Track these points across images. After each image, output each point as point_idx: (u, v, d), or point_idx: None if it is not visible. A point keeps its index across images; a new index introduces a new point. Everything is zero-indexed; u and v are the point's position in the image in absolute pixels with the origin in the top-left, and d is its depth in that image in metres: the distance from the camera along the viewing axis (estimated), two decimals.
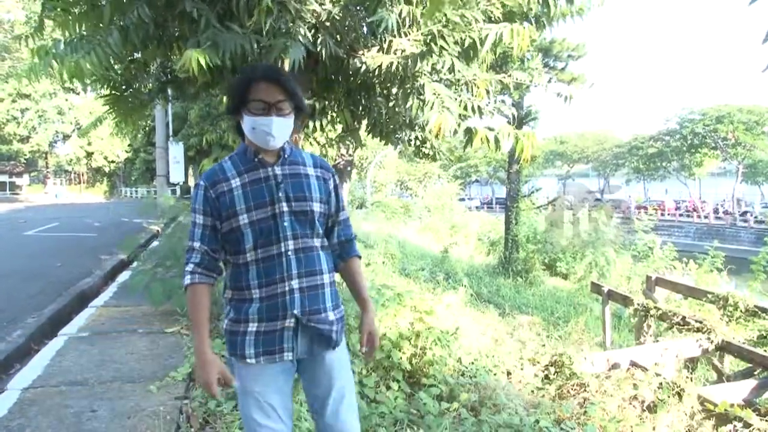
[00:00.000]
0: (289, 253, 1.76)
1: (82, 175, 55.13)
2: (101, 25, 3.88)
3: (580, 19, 4.79)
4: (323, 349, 1.84)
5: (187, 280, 1.77)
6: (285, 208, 1.76)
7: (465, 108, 4.38)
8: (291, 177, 1.81)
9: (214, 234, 1.78)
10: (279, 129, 1.74)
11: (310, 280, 1.79)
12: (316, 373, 1.86)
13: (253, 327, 1.75)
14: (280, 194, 1.77)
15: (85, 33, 3.98)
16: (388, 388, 3.53)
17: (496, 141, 4.47)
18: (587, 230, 17.33)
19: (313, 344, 1.81)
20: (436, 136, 4.06)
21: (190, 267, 1.77)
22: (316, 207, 1.82)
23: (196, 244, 1.78)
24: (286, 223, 1.76)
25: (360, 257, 2.04)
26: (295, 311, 1.75)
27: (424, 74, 3.97)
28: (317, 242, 1.84)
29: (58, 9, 3.82)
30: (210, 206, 1.77)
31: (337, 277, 1.98)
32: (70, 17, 3.84)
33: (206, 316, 1.77)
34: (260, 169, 1.79)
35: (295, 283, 1.76)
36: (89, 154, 47.29)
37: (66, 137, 44.38)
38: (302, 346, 1.79)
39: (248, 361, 1.76)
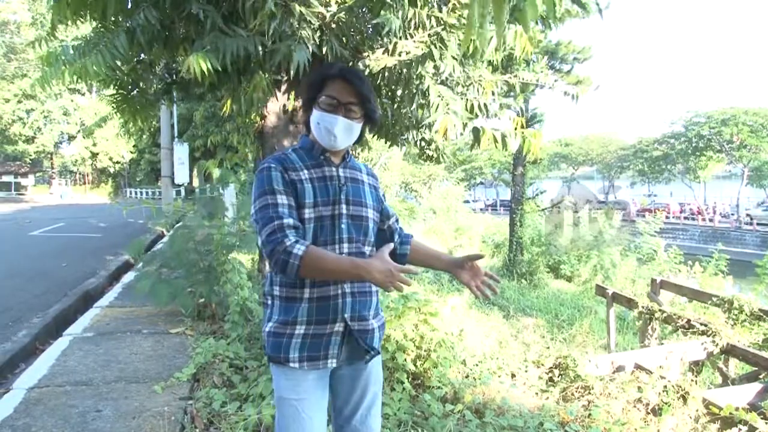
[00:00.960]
0: (344, 255, 1.72)
1: (87, 175, 55.24)
2: (106, 21, 3.90)
3: (586, 17, 4.80)
4: (364, 357, 1.80)
5: (299, 249, 1.56)
6: (344, 210, 1.74)
7: (471, 109, 4.39)
8: (351, 181, 1.80)
9: (297, 213, 1.68)
10: (342, 130, 1.72)
11: (361, 286, 1.77)
12: (354, 379, 1.84)
13: (301, 330, 1.71)
14: (342, 195, 1.75)
15: (92, 35, 4.01)
16: (393, 389, 3.52)
17: (504, 140, 4.48)
18: (591, 232, 17.31)
19: (354, 351, 1.78)
20: (443, 137, 4.06)
21: (291, 239, 1.58)
22: (370, 214, 1.82)
23: (288, 221, 1.62)
24: (343, 225, 1.74)
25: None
26: (346, 315, 1.72)
27: (429, 76, 3.97)
28: (368, 250, 1.81)
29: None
30: (290, 187, 1.69)
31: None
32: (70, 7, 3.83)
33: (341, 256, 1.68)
34: (325, 167, 1.77)
35: (347, 287, 1.73)
36: (94, 155, 47.40)
37: (71, 138, 44.45)
38: (345, 353, 1.76)
39: (291, 365, 1.70)
